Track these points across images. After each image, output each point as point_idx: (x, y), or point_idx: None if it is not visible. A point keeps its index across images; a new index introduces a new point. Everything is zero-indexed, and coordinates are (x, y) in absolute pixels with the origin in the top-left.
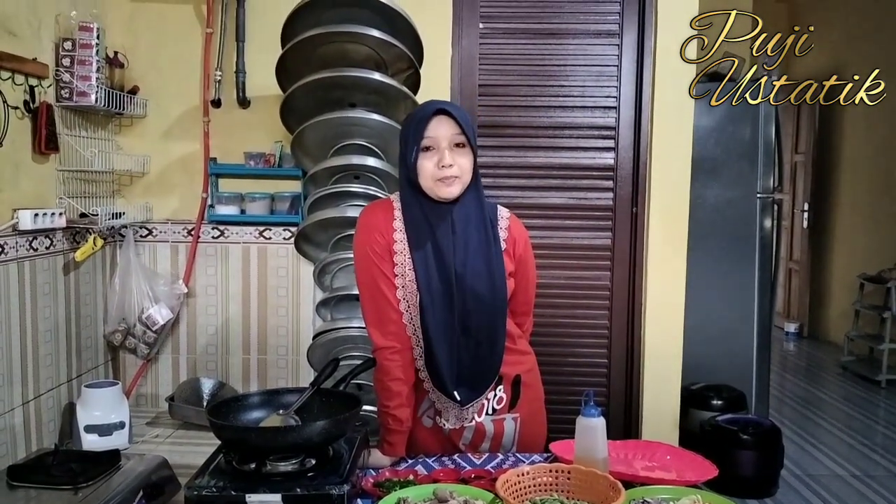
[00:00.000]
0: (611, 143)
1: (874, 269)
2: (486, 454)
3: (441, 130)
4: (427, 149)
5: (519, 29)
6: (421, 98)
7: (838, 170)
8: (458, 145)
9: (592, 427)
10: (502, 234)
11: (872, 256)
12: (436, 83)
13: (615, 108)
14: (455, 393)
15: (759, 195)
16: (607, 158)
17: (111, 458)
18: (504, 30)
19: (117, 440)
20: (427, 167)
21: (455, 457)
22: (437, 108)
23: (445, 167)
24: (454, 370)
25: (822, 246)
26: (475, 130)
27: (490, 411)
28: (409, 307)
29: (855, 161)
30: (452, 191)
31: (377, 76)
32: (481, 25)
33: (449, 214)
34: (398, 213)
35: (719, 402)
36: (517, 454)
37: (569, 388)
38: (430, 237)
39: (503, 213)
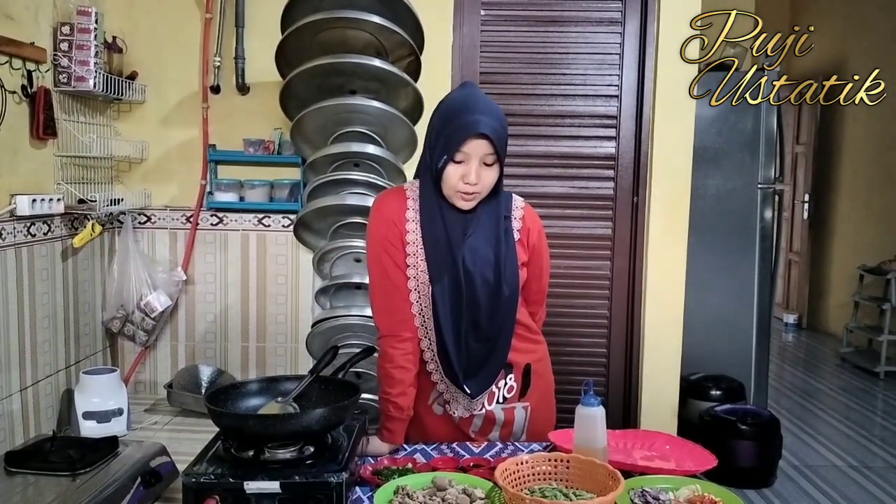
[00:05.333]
0: (612, 133)
1: (874, 261)
2: (486, 443)
3: (476, 149)
4: (457, 161)
5: (520, 16)
6: (421, 85)
7: (839, 161)
8: (487, 164)
9: (592, 416)
10: (516, 224)
11: (872, 248)
12: (436, 70)
13: (617, 97)
14: (465, 386)
15: (759, 186)
16: (608, 147)
17: (109, 445)
18: (506, 17)
19: (115, 427)
20: (452, 177)
21: (454, 445)
22: (480, 132)
23: (470, 184)
24: (463, 361)
25: (823, 237)
26: (507, 141)
27: (500, 399)
28: (420, 298)
29: (856, 152)
30: (468, 205)
31: (377, 62)
32: (483, 12)
33: (464, 214)
34: (412, 203)
35: (718, 393)
36: (517, 443)
37: (568, 377)
38: (442, 230)
39: (518, 202)
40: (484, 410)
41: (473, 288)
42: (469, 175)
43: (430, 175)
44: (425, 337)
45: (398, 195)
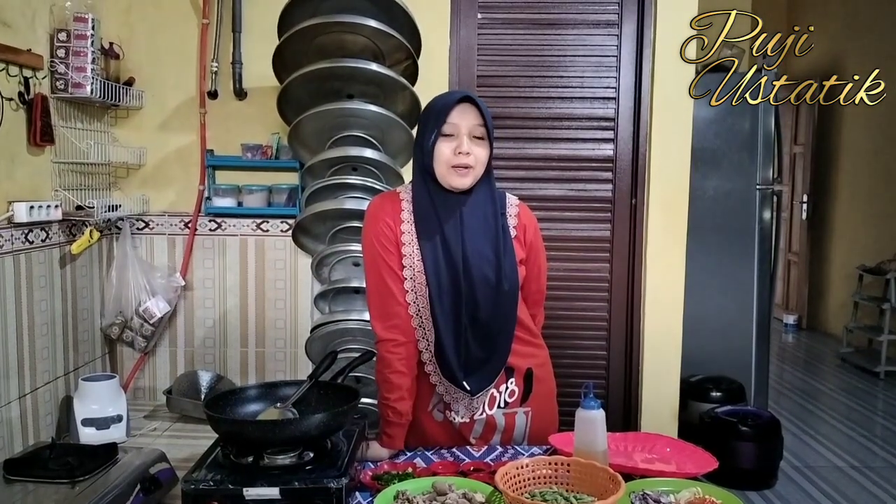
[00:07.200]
0: (610, 135)
1: (873, 261)
2: (486, 447)
3: (464, 119)
4: (447, 135)
5: (517, 19)
6: (418, 89)
7: (838, 161)
8: (477, 137)
9: (592, 419)
10: (511, 222)
11: (871, 248)
12: (434, 74)
13: (614, 98)
14: (464, 383)
15: (758, 186)
16: (606, 149)
17: (108, 452)
18: (502, 20)
19: (115, 433)
20: (444, 152)
21: (454, 449)
22: (463, 97)
23: (462, 154)
24: (462, 360)
25: (822, 237)
26: (492, 122)
27: (501, 404)
28: (417, 298)
29: (854, 152)
30: (465, 182)
31: (374, 67)
32: (479, 16)
33: (458, 205)
34: (406, 205)
35: (718, 394)
36: (517, 447)
37: (568, 380)
38: (437, 227)
39: (512, 200)
40: (485, 415)
41: (472, 284)
42: (461, 146)
43: (422, 168)
44: (423, 338)
45: (392, 198)
